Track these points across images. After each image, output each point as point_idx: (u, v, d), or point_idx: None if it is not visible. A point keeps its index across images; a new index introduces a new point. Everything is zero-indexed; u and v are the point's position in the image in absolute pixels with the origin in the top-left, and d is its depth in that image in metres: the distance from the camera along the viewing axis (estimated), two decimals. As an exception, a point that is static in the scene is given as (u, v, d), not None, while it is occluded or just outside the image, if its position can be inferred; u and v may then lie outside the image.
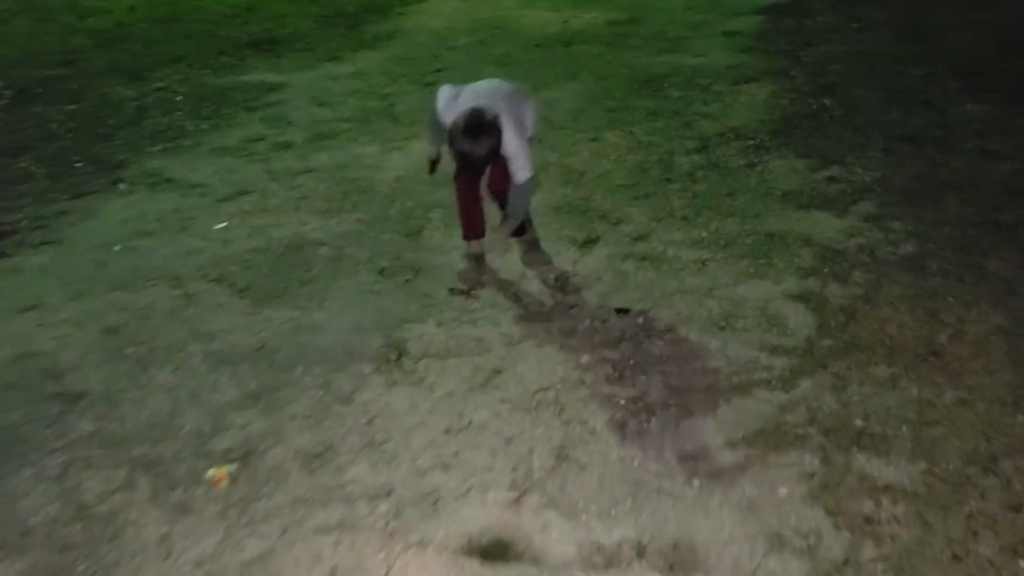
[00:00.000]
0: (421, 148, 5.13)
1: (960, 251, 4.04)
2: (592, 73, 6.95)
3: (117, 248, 4.54)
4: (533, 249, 4.27)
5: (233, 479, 2.90)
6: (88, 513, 2.80)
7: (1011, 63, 6.51)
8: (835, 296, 3.74)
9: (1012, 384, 3.16)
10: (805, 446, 2.91)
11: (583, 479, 2.83)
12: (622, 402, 3.18)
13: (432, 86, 5.50)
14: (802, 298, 3.75)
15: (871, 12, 8.19)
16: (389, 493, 2.82)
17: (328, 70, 7.46)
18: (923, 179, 4.78)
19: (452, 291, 3.98)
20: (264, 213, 4.84)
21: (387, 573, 2.54)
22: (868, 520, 2.61)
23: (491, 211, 4.11)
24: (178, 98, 6.88)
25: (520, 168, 3.58)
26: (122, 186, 5.29)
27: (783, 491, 2.73)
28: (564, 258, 4.19)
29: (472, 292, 3.95)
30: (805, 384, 3.21)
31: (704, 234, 4.34)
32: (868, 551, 2.51)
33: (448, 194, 4.25)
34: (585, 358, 3.45)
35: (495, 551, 2.58)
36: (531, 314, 3.78)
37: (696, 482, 2.80)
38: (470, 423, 3.12)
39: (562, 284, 3.99)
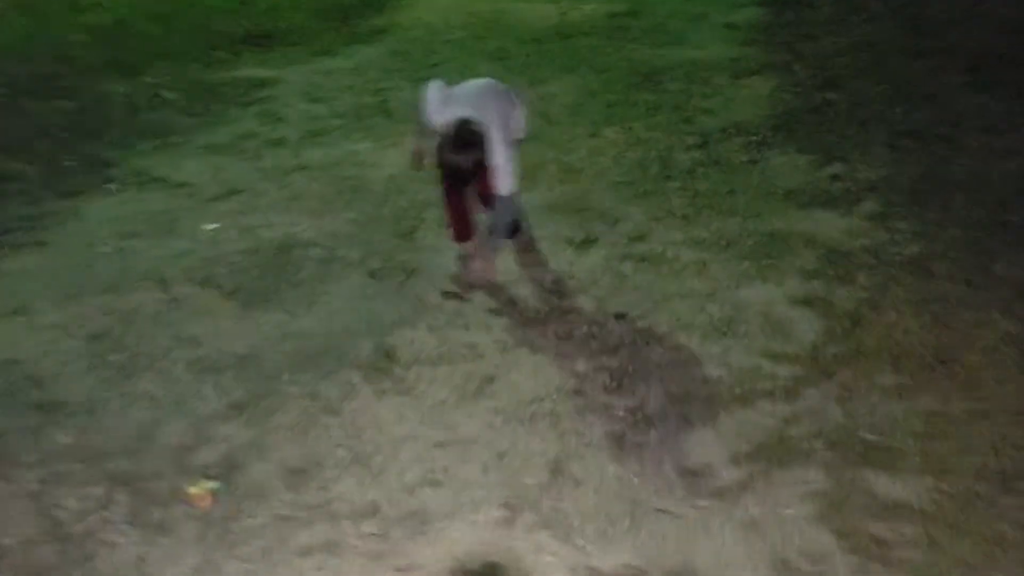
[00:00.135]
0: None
1: (968, 253, 3.90)
2: (590, 67, 6.79)
3: (106, 249, 4.42)
4: (528, 250, 4.15)
5: (216, 499, 2.79)
6: (63, 533, 2.70)
7: (1018, 55, 6.34)
8: (840, 300, 3.63)
9: (1024, 395, 3.04)
10: (810, 461, 2.80)
11: (578, 496, 2.73)
12: (620, 413, 3.08)
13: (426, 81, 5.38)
14: (806, 302, 3.63)
15: (874, 3, 8.02)
16: (375, 512, 2.71)
17: (322, 65, 7.31)
18: (929, 177, 4.65)
19: (445, 294, 3.87)
20: (254, 213, 4.71)
21: (372, 598, 2.44)
22: (877, 541, 2.50)
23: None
24: (170, 95, 6.74)
25: (503, 183, 3.55)
26: (112, 186, 5.17)
27: (788, 511, 2.62)
28: (560, 259, 4.08)
29: (465, 297, 3.84)
30: (810, 394, 3.10)
31: (704, 234, 4.21)
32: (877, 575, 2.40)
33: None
34: (582, 366, 3.34)
35: (485, 575, 2.47)
36: (526, 319, 3.67)
37: (697, 501, 2.68)
38: (461, 436, 3.01)
39: (558, 287, 3.87)
